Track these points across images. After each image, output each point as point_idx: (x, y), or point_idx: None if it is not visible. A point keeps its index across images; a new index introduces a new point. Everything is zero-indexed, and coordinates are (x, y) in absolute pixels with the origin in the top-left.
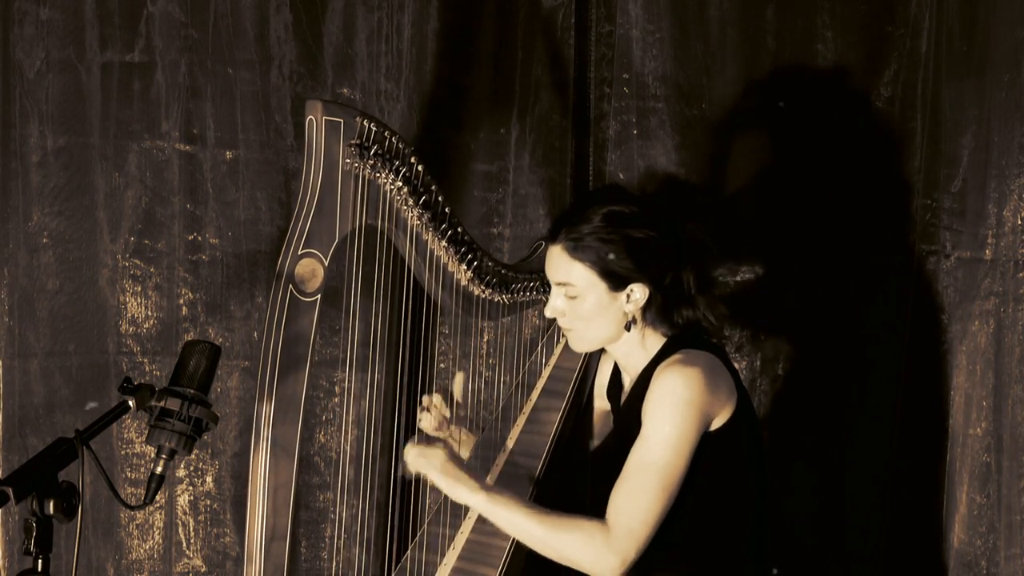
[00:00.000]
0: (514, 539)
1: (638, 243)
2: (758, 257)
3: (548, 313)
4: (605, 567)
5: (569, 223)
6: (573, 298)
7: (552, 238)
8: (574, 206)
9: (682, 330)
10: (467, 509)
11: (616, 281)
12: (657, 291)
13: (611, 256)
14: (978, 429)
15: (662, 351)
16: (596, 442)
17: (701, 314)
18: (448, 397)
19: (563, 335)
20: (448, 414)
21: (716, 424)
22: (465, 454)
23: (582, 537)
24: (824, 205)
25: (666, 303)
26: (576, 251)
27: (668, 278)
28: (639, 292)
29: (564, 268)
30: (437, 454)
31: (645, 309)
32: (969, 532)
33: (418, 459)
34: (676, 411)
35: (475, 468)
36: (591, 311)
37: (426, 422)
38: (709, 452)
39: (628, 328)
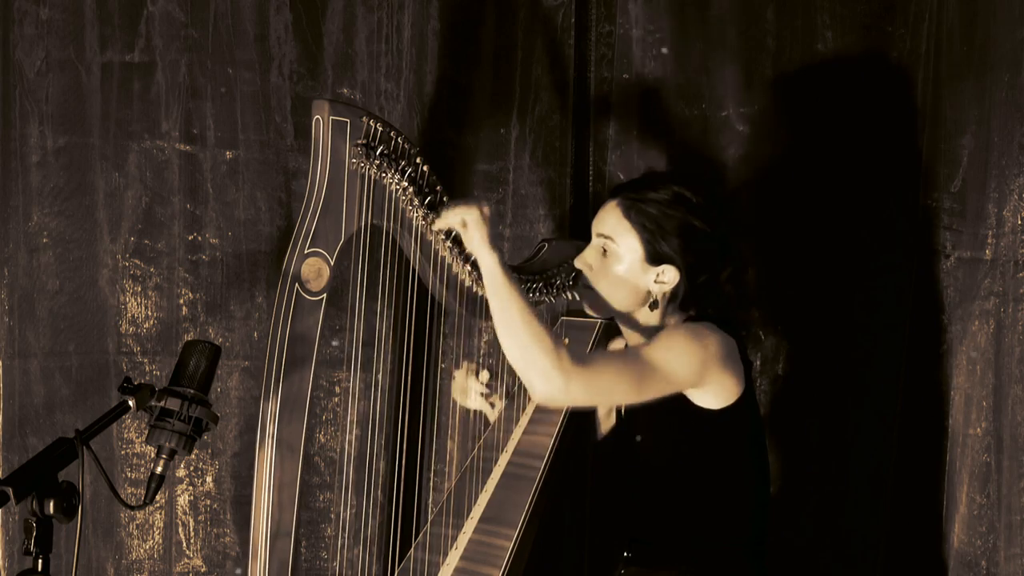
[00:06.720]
0: (516, 539)
1: (691, 230)
2: (758, 257)
3: (578, 263)
4: (548, 381)
5: (637, 187)
6: (607, 256)
7: (614, 194)
8: (646, 177)
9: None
10: (469, 509)
11: (655, 255)
12: (688, 282)
13: (661, 230)
14: (978, 429)
15: None
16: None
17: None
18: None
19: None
20: (483, 389)
21: (718, 400)
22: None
23: (549, 347)
24: (824, 205)
25: (693, 298)
26: (631, 211)
27: (703, 277)
28: (670, 274)
29: (613, 222)
30: (474, 209)
31: (671, 297)
32: (969, 532)
33: (457, 213)
34: (685, 334)
35: (481, 469)
36: (619, 274)
37: (458, 388)
38: (711, 438)
39: (652, 308)
